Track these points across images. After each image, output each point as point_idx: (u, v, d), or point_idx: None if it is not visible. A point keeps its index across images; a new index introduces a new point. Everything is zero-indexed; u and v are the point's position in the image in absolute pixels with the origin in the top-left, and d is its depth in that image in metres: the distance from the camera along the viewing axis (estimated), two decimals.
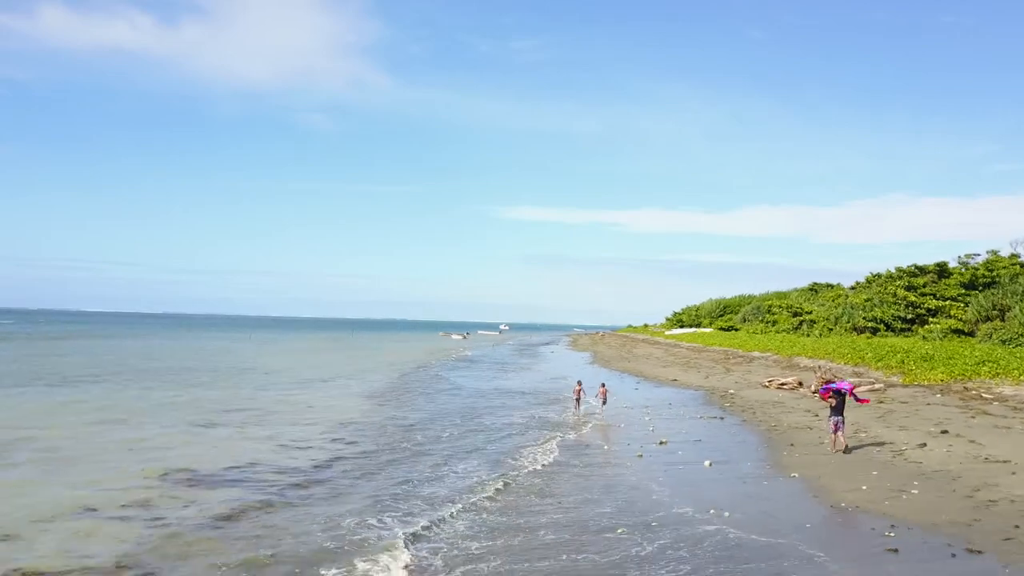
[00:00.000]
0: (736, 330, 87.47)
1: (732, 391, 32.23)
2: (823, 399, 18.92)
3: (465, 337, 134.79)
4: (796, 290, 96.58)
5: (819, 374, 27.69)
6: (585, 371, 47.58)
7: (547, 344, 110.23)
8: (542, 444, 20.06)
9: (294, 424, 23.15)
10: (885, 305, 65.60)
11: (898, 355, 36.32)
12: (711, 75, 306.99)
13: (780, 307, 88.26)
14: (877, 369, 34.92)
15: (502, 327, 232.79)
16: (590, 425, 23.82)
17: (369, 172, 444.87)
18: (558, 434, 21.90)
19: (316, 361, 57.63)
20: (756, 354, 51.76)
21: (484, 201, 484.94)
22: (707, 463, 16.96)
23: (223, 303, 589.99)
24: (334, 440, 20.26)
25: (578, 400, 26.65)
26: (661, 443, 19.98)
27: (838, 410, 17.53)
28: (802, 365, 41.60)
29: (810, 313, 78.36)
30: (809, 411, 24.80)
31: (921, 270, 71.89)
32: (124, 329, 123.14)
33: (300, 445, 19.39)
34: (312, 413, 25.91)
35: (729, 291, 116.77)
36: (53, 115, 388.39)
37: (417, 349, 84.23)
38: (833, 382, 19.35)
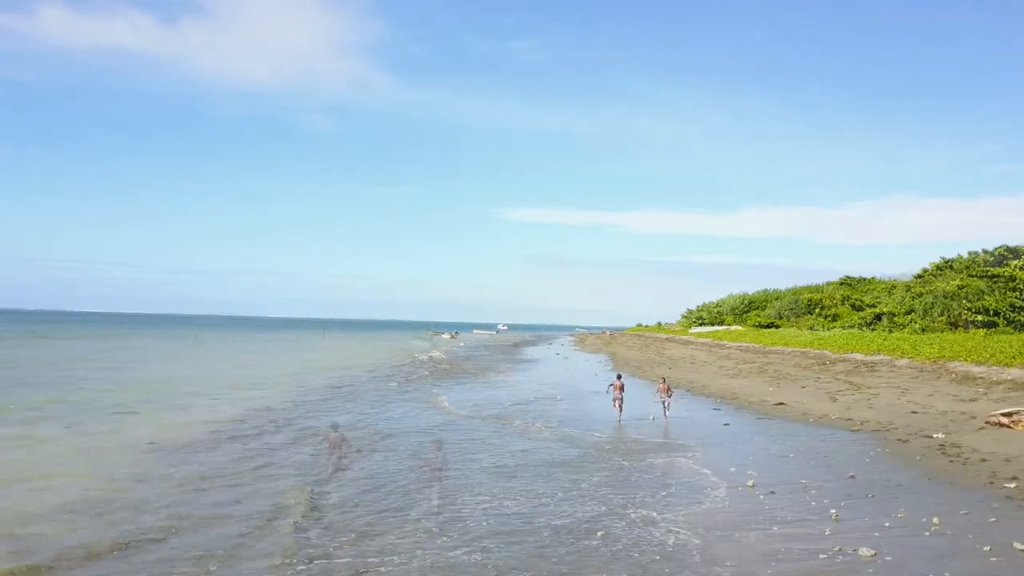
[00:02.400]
0: (776, 327, 71.93)
1: (941, 435, 15.96)
2: None
3: (454, 336, 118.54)
4: (829, 284, 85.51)
5: None
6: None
7: (548, 344, 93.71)
8: None
9: None
10: (998, 293, 49.74)
11: None
12: (711, 75, 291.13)
13: (833, 300, 74.00)
14: None
15: (500, 327, 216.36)
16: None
17: (369, 172, 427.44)
18: None
19: (225, 369, 41.24)
20: (858, 356, 35.51)
21: (484, 201, 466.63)
22: None
23: (223, 304, 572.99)
24: None
25: (619, 400, 20.31)
26: None
27: None
28: (974, 375, 25.32)
29: (873, 307, 63.51)
30: None
31: (1014, 252, 57.48)
32: (94, 330, 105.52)
33: None
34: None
35: (728, 291, 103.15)
36: (53, 115, 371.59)
37: (389, 350, 67.97)
38: None
